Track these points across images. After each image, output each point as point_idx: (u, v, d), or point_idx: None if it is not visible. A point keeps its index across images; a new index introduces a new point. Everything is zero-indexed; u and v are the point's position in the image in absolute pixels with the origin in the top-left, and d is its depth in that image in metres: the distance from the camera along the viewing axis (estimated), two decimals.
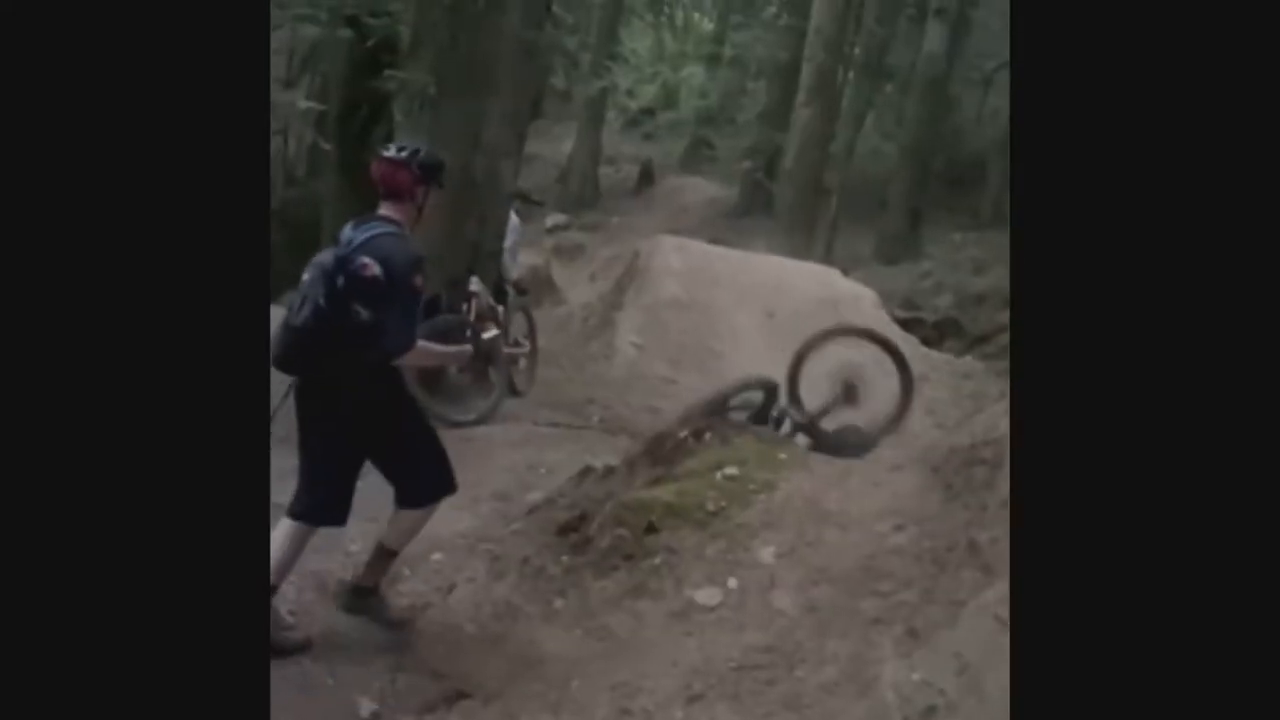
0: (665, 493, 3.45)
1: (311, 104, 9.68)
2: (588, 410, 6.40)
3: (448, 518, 3.48)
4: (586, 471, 3.99)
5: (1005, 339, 8.25)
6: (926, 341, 9.15)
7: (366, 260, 2.77)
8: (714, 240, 10.63)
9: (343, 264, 2.80)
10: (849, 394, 4.34)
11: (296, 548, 2.93)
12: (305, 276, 2.86)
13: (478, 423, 5.45)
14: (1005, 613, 1.97)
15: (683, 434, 3.90)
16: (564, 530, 3.48)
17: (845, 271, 9.85)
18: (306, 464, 2.97)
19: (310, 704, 2.73)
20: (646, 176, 17.88)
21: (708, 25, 24.24)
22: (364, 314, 2.78)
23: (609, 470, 3.91)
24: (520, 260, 7.04)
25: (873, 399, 4.38)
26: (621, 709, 2.46)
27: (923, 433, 5.83)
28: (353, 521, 3.07)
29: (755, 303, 8.14)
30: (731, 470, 3.53)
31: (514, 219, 6.40)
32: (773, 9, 18.44)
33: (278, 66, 11.31)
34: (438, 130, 5.52)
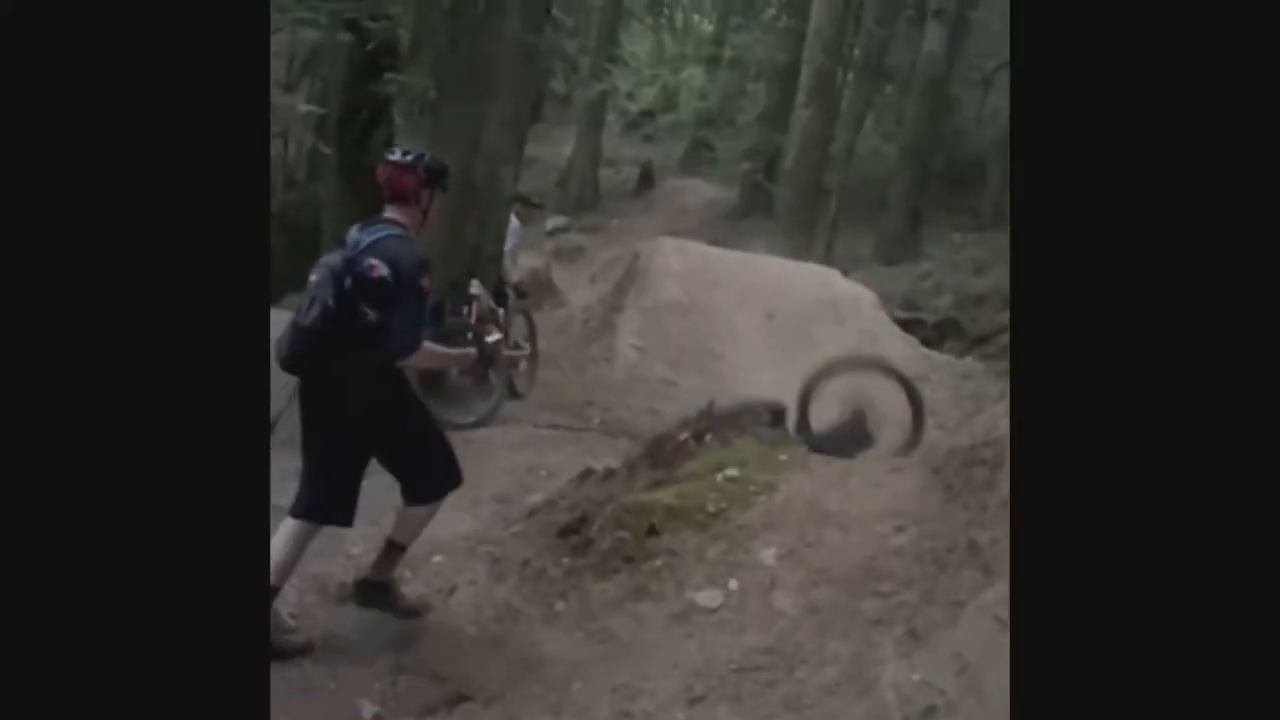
0: (666, 495, 3.45)
1: (311, 107, 9.67)
2: (588, 412, 6.40)
3: (448, 520, 3.48)
4: (587, 474, 3.99)
5: (1005, 340, 8.24)
6: (927, 342, 9.14)
7: (374, 262, 2.80)
8: (714, 242, 10.60)
9: (351, 265, 2.82)
10: (858, 420, 4.34)
11: (298, 549, 2.94)
12: (313, 278, 2.88)
13: (478, 425, 5.45)
14: (1005, 613, 1.97)
15: (683, 436, 3.91)
16: (565, 532, 3.48)
17: (845, 272, 9.82)
18: (310, 464, 2.98)
19: (311, 706, 2.73)
20: (646, 179, 17.88)
21: (707, 27, 24.28)
22: (371, 315, 2.81)
23: (610, 472, 3.91)
24: (520, 263, 7.04)
25: (881, 426, 4.39)
26: (622, 711, 2.46)
27: None
28: (354, 524, 3.07)
29: (755, 304, 8.13)
30: (732, 472, 3.53)
31: (514, 222, 6.41)
32: (772, 11, 18.48)
33: (278, 70, 11.31)
34: (438, 134, 5.51)
